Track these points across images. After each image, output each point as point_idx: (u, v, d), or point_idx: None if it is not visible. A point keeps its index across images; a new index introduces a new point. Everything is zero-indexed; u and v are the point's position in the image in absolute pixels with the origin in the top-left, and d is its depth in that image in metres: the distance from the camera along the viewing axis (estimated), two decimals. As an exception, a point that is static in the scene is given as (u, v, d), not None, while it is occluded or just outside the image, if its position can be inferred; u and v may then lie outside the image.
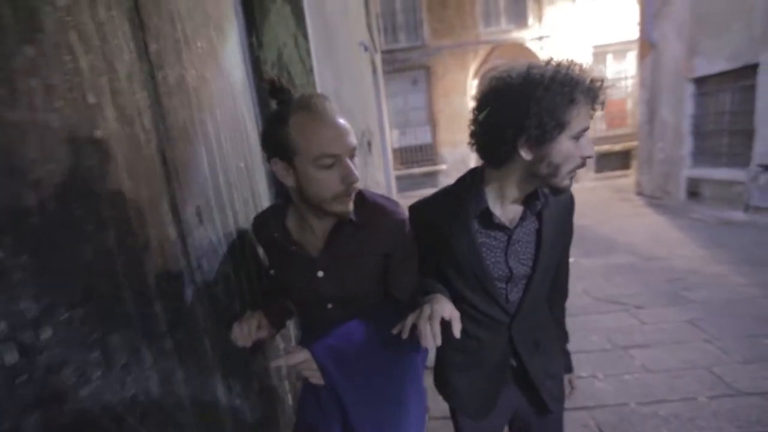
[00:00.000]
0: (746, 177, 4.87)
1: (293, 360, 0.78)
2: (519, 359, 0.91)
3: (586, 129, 0.73)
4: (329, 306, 0.88)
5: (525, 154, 0.75)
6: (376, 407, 0.86)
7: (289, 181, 0.77)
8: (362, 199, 0.85)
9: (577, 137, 0.73)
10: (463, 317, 0.84)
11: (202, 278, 0.83)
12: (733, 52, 4.89)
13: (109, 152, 0.61)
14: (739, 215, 4.90)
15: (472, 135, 0.82)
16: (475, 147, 0.82)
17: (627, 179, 8.64)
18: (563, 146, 0.72)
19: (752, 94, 4.71)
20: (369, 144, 3.55)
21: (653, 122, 6.59)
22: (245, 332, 0.82)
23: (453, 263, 0.87)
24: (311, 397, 0.97)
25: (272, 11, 1.35)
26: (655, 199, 6.55)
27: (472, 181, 0.86)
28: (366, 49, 3.95)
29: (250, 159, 1.13)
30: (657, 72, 6.37)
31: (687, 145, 5.91)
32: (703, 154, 5.74)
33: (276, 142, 0.74)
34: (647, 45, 6.49)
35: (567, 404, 1.98)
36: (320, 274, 0.84)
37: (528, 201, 0.84)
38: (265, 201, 1.24)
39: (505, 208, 0.84)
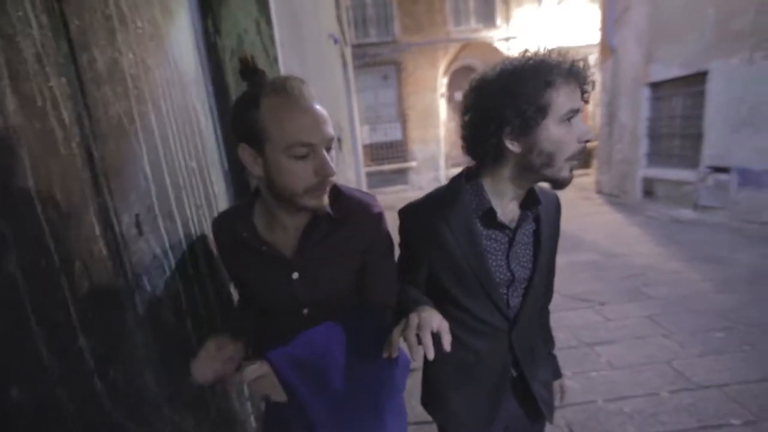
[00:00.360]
0: (695, 178, 5.18)
1: (249, 375, 0.67)
2: (519, 368, 0.87)
3: (575, 111, 0.70)
4: (305, 311, 0.79)
5: (513, 147, 0.72)
6: (350, 424, 0.78)
7: (257, 171, 0.69)
8: (337, 193, 0.79)
9: (566, 120, 0.69)
10: (462, 328, 0.81)
11: (144, 299, 0.71)
12: (686, 59, 5.18)
13: (10, 152, 0.48)
14: (688, 213, 5.21)
15: (462, 138, 0.79)
16: (465, 149, 0.80)
17: (588, 178, 9.00)
18: (551, 132, 0.69)
19: (702, 100, 5.01)
20: (339, 140, 3.44)
21: (612, 124, 6.89)
22: (201, 365, 0.69)
23: (452, 268, 0.81)
24: (275, 417, 0.87)
25: (231, -7, 1.21)
26: (613, 197, 6.86)
27: (468, 181, 0.82)
28: (336, 41, 3.81)
29: (203, 157, 1.00)
30: (617, 76, 6.65)
31: (643, 147, 6.21)
32: (657, 155, 6.06)
33: (245, 126, 0.66)
34: (608, 49, 6.75)
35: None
36: (295, 275, 0.76)
37: (526, 202, 0.82)
38: (222, 204, 1.12)
39: (505, 208, 0.81)
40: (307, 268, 0.76)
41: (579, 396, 2.00)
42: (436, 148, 9.80)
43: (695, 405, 1.84)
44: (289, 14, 1.60)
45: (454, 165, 10.49)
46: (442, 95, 9.67)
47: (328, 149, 0.69)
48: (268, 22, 1.27)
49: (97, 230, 0.61)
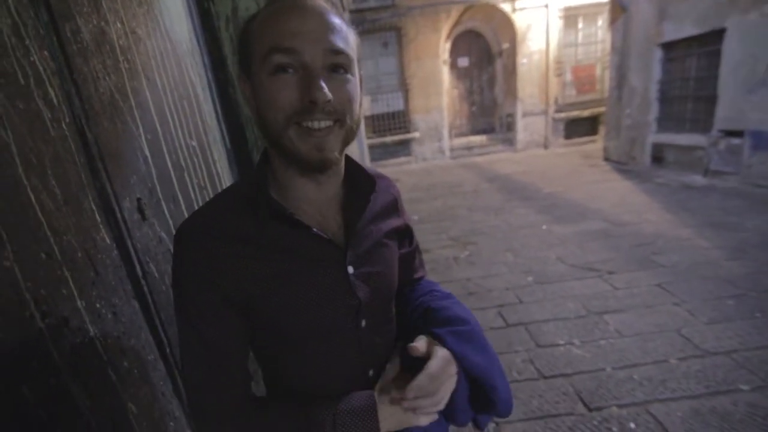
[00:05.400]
0: (707, 142, 5.04)
1: (435, 367, 0.50)
2: None
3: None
4: (363, 324, 0.56)
5: None
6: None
7: (251, 105, 0.51)
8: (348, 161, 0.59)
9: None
10: None
11: (152, 286, 0.68)
12: (700, 16, 4.90)
13: (-6, 137, 0.44)
14: (698, 179, 5.11)
15: None
16: None
17: (594, 145, 8.83)
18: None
19: (717, 60, 4.78)
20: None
21: (622, 88, 6.65)
22: None
23: None
24: None
25: (222, -48, 1.11)
26: (621, 164, 6.73)
27: None
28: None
29: (203, 135, 0.95)
30: (627, 36, 6.35)
31: (653, 111, 6.02)
32: (667, 119, 5.88)
33: (239, 49, 0.51)
34: (618, 8, 6.40)
35: (546, 372, 2.01)
36: (351, 270, 0.54)
37: None
38: (226, 184, 1.07)
39: None
40: (359, 258, 0.56)
41: (588, 364, 2.01)
42: (439, 117, 9.55)
43: (704, 371, 1.85)
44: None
45: (458, 135, 10.28)
46: (444, 62, 9.32)
47: (334, 69, 0.47)
48: (264, -16, 1.18)
49: (98, 217, 0.57)
